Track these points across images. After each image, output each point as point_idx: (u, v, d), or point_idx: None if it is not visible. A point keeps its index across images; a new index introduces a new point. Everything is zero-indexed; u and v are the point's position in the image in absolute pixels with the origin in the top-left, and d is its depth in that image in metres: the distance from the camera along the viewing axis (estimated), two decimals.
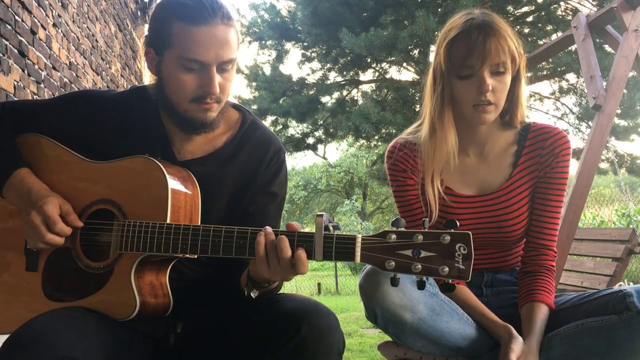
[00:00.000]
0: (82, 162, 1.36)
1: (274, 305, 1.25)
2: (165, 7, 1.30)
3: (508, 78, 1.47)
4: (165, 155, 1.37)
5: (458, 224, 1.09)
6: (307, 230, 1.16)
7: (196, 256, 1.23)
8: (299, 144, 10.75)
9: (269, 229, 1.16)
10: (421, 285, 1.11)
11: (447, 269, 1.06)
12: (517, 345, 1.37)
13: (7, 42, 2.61)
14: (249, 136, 1.44)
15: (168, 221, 1.22)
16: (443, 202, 1.55)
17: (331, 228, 1.14)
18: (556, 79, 9.98)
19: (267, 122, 10.66)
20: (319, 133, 10.81)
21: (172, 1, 1.29)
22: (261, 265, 1.16)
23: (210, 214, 1.33)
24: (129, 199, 1.28)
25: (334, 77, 10.26)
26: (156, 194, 1.24)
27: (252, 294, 1.26)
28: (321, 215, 1.12)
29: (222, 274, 1.40)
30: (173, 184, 1.25)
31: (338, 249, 1.12)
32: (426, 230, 1.08)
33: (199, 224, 1.30)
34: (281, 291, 1.37)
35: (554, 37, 8.47)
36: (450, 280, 1.08)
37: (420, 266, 1.07)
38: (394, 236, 1.09)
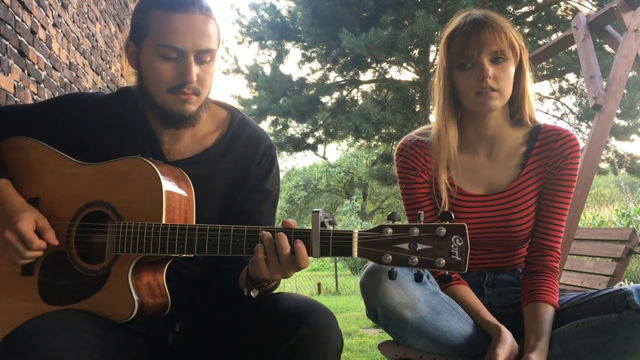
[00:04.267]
0: (74, 164, 1.35)
1: (272, 304, 1.24)
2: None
3: (510, 67, 1.48)
4: (155, 155, 1.37)
5: (453, 216, 1.10)
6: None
7: (193, 255, 1.23)
8: (299, 144, 10.74)
9: (264, 231, 1.16)
10: (419, 278, 1.12)
11: (443, 261, 1.07)
12: (504, 348, 1.37)
13: (7, 42, 2.61)
14: (238, 134, 1.44)
15: (163, 222, 1.22)
16: (451, 200, 1.56)
17: (327, 224, 1.14)
18: (556, 79, 9.98)
19: (267, 122, 10.66)
20: (319, 133, 10.80)
21: None
22: (260, 266, 1.16)
23: (204, 214, 1.32)
24: (123, 200, 1.27)
25: (334, 77, 10.25)
26: (150, 194, 1.24)
27: (252, 294, 1.25)
28: (317, 212, 1.13)
29: (219, 273, 1.40)
30: (167, 184, 1.25)
31: (335, 244, 1.12)
32: (422, 223, 1.09)
33: (194, 223, 1.29)
34: (281, 290, 1.37)
35: (554, 37, 8.47)
36: (447, 272, 1.08)
37: (417, 259, 1.08)
38: (390, 230, 1.10)
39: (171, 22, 1.26)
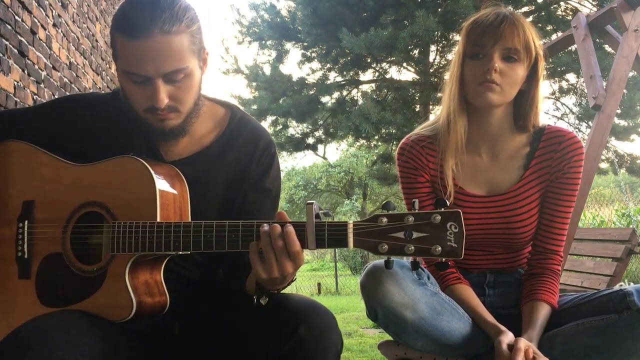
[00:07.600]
0: (67, 165, 1.34)
1: (270, 305, 1.24)
2: (113, 19, 1.29)
3: (519, 69, 1.47)
4: (153, 156, 1.36)
5: (448, 203, 1.09)
6: None
7: (189, 252, 1.22)
8: (299, 144, 10.73)
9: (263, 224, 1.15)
10: (415, 266, 1.12)
11: (439, 248, 1.07)
12: (507, 336, 1.37)
13: (7, 42, 2.61)
14: (237, 133, 1.42)
15: (158, 220, 1.21)
16: (453, 200, 1.55)
17: (322, 215, 1.13)
18: (556, 79, 9.97)
19: (267, 122, 10.65)
20: (319, 133, 10.79)
21: (117, 13, 1.28)
22: (255, 264, 1.15)
23: (204, 214, 1.31)
24: (116, 200, 1.26)
25: (334, 77, 10.24)
26: (144, 193, 1.23)
27: (262, 301, 1.24)
28: (311, 203, 1.11)
29: (218, 274, 1.40)
30: (160, 182, 1.24)
31: (330, 235, 1.11)
32: (417, 211, 1.08)
33: (190, 220, 1.28)
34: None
35: (554, 37, 8.47)
36: (444, 259, 1.08)
37: (413, 247, 1.07)
38: (385, 219, 1.09)
39: (130, 49, 1.22)
